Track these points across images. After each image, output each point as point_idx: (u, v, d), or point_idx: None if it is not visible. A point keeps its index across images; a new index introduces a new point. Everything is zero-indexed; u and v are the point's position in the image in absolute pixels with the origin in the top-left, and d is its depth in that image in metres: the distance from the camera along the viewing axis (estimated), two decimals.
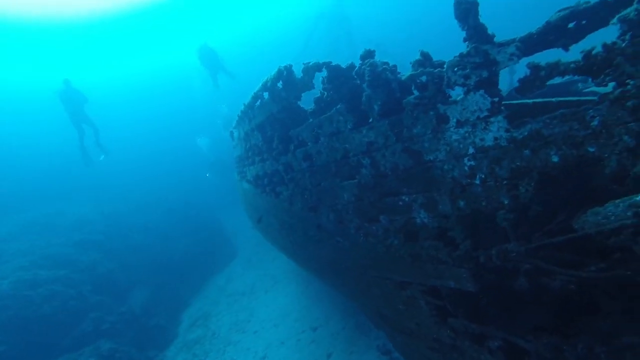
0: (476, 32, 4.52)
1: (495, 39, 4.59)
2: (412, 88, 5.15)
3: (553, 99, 4.99)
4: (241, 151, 13.34)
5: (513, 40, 4.41)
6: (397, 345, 9.41)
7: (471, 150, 4.86)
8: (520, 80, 4.34)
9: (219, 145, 44.57)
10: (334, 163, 7.24)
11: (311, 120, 7.26)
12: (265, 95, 8.63)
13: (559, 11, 4.33)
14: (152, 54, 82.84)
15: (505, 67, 4.37)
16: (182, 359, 20.88)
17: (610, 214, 3.93)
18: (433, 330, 6.54)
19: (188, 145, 47.65)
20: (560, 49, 4.56)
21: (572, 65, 3.86)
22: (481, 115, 4.62)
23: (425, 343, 7.06)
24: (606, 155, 3.82)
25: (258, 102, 9.36)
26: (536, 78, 4.06)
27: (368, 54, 5.77)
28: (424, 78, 4.91)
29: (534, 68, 4.17)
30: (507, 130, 4.46)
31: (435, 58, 5.43)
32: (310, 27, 46.53)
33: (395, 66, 5.74)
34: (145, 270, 29.52)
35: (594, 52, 3.78)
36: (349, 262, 8.59)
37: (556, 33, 4.37)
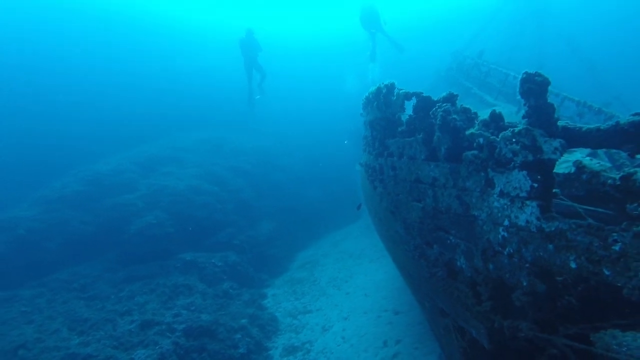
0: (535, 113, 4.62)
1: (557, 115, 4.55)
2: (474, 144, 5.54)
3: (582, 208, 4.66)
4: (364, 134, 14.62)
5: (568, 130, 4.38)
6: None
7: (506, 222, 5.14)
8: (565, 176, 4.38)
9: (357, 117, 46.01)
10: (409, 182, 7.93)
11: (399, 138, 7.99)
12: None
13: (635, 114, 4.00)
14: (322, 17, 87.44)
15: (552, 159, 4.44)
16: (284, 291, 25.10)
17: (625, 344, 3.98)
18: None
19: (333, 107, 50.77)
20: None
21: (609, 181, 3.84)
22: (520, 194, 4.84)
23: None
24: (619, 284, 3.84)
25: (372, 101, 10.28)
26: (577, 178, 4.15)
27: (448, 98, 6.16)
28: (481, 140, 5.26)
29: (579, 169, 4.21)
30: (537, 219, 4.63)
31: None
32: (492, 9, 41.23)
33: (474, 114, 6.03)
34: (276, 206, 34.93)
35: (634, 177, 3.68)
36: (412, 270, 9.42)
37: (623, 137, 4.12)
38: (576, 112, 15.85)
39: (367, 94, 9.99)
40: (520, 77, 4.60)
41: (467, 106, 5.53)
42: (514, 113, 15.69)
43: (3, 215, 24.07)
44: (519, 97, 4.68)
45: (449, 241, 6.75)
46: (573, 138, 4.53)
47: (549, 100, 4.63)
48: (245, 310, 19.36)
